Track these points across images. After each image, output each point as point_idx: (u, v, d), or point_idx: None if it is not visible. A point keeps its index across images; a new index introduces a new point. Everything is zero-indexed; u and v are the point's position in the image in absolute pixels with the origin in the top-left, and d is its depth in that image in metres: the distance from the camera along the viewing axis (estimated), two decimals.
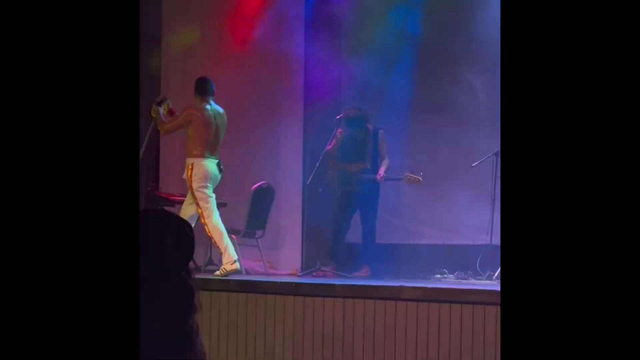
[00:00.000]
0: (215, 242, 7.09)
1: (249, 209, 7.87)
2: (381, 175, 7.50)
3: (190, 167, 6.93)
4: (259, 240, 8.06)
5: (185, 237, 2.26)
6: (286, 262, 8.60)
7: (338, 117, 7.69)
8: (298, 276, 7.70)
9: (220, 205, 7.46)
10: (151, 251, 2.21)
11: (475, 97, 7.96)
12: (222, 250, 7.03)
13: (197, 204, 6.93)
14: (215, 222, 6.98)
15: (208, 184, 6.98)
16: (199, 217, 7.00)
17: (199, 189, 6.84)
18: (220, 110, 7.22)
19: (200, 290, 2.34)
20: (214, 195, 7.08)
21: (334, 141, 7.80)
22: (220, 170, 7.16)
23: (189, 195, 7.04)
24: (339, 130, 7.73)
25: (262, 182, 7.98)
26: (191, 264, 2.39)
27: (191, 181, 6.94)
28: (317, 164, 7.89)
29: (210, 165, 7.03)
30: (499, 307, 5.40)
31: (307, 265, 8.28)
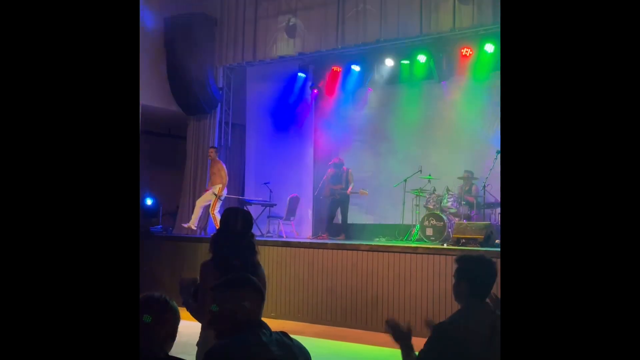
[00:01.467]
0: (213, 213, 9.92)
1: (287, 207, 10.78)
2: (349, 191, 10.13)
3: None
4: (292, 221, 10.90)
5: (247, 217, 3.01)
6: (305, 232, 11.24)
7: (330, 162, 10.47)
8: (310, 238, 9.99)
9: (271, 205, 10.61)
10: (229, 225, 2.95)
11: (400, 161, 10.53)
12: (195, 215, 10.10)
13: (213, 203, 10.09)
14: (216, 211, 9.97)
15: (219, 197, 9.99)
16: (210, 206, 10.04)
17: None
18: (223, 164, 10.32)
19: (259, 245, 3.11)
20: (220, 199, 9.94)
21: (328, 173, 10.42)
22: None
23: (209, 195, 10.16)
24: (330, 168, 10.39)
25: (294, 194, 11.02)
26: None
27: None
28: (320, 185, 10.63)
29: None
30: (406, 255, 7.33)
31: (314, 234, 10.88)
